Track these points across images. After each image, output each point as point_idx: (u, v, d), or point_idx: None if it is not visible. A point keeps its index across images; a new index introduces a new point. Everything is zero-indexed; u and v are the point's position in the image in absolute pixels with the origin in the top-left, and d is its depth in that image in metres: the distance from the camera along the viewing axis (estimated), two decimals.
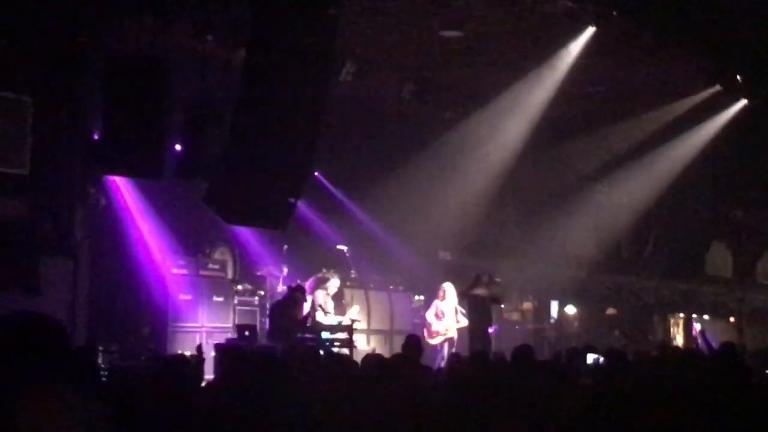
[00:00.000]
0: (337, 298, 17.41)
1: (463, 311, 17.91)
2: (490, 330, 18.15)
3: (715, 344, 14.03)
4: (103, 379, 9.77)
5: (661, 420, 6.18)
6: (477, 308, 17.87)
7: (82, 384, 3.56)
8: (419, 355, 10.81)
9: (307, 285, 16.79)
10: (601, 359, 8.66)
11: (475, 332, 17.52)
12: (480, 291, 17.95)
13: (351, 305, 17.23)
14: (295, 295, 15.59)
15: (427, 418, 6.94)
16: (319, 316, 16.30)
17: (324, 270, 17.68)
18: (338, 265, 18.33)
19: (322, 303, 16.58)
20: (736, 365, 8.52)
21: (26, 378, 3.32)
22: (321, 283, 17.04)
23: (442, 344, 17.66)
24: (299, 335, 15.11)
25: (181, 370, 7.77)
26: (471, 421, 6.77)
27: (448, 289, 17.95)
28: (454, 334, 17.68)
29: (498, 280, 18.95)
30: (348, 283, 17.97)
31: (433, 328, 17.71)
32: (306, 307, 15.98)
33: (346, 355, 14.10)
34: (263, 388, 6.82)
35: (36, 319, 3.50)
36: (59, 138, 15.16)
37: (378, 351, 15.95)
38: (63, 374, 3.43)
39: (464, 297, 17.94)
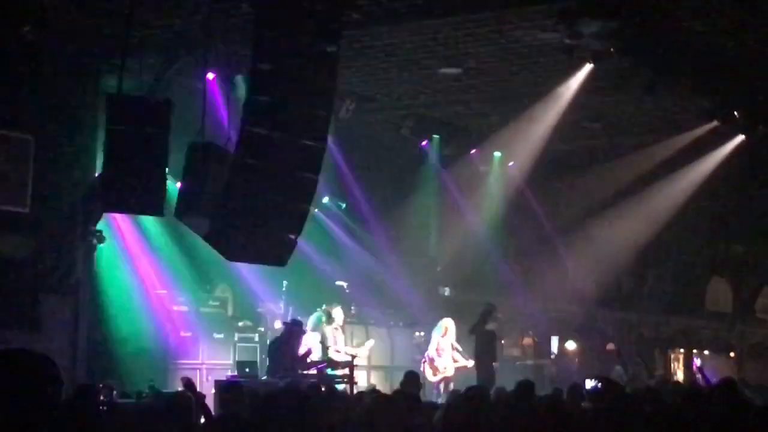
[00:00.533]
0: (344, 331, 17.49)
1: (460, 349, 17.90)
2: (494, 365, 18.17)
3: (714, 380, 14.02)
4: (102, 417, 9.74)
5: None
6: (487, 343, 17.86)
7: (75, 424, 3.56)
8: (418, 391, 10.83)
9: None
10: (599, 384, 8.69)
11: (485, 367, 17.49)
12: (491, 326, 17.97)
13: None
14: (293, 329, 15.59)
15: None
16: (332, 353, 16.34)
17: (324, 305, 17.74)
18: (339, 301, 18.35)
19: (331, 338, 16.63)
20: (735, 399, 8.53)
21: (12, 418, 3.30)
22: (327, 319, 17.07)
23: (440, 382, 17.64)
24: (300, 371, 15.10)
25: (182, 408, 7.78)
26: None
27: (450, 325, 17.95)
28: (451, 373, 17.66)
29: (499, 315, 18.96)
30: (348, 319, 17.97)
31: (435, 364, 17.71)
32: (306, 342, 15.97)
33: (347, 391, 14.10)
34: (264, 425, 6.82)
35: (27, 358, 3.48)
36: (60, 176, 15.22)
37: (378, 387, 15.97)
38: (50, 414, 3.42)
39: (474, 332, 17.93)
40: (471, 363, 17.83)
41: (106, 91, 14.05)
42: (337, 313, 17.07)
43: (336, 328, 16.94)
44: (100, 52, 15.15)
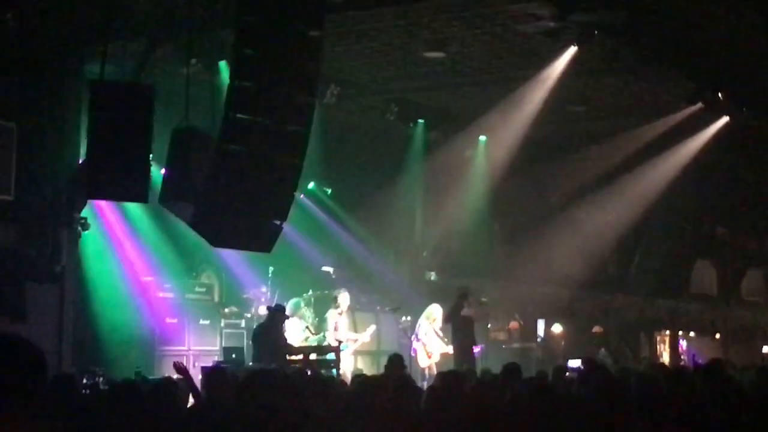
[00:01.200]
0: (351, 316, 17.59)
1: (441, 335, 17.91)
2: (476, 349, 18.17)
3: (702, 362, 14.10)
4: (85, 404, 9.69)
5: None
6: (463, 329, 17.87)
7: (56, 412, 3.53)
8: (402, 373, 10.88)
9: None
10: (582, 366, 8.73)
11: (463, 353, 17.51)
12: (467, 312, 17.96)
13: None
14: (276, 315, 15.58)
15: None
16: (329, 337, 16.38)
17: (311, 291, 17.77)
18: (325, 286, 18.38)
19: (332, 322, 16.69)
20: (722, 380, 8.57)
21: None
22: (332, 302, 17.12)
23: (429, 367, 17.66)
24: (286, 356, 15.09)
25: (168, 394, 7.76)
26: None
27: (437, 311, 17.95)
28: (438, 358, 17.69)
29: (484, 299, 18.98)
30: (334, 305, 17.97)
31: (428, 349, 17.72)
32: (290, 328, 15.97)
33: (334, 376, 14.11)
34: (250, 410, 6.82)
35: (12, 342, 3.46)
36: (44, 163, 15.15)
37: (365, 372, 15.98)
38: (36, 400, 3.40)
39: (450, 320, 17.91)
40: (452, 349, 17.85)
41: (89, 77, 13.97)
42: (343, 298, 17.09)
43: (340, 313, 16.99)
44: (82, 38, 15.07)
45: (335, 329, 16.82)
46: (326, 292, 18.16)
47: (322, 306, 17.85)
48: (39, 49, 14.82)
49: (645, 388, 8.21)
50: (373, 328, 17.67)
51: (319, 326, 17.23)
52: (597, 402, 7.49)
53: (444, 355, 17.81)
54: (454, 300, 18.17)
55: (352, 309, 18.00)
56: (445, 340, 17.88)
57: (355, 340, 17.37)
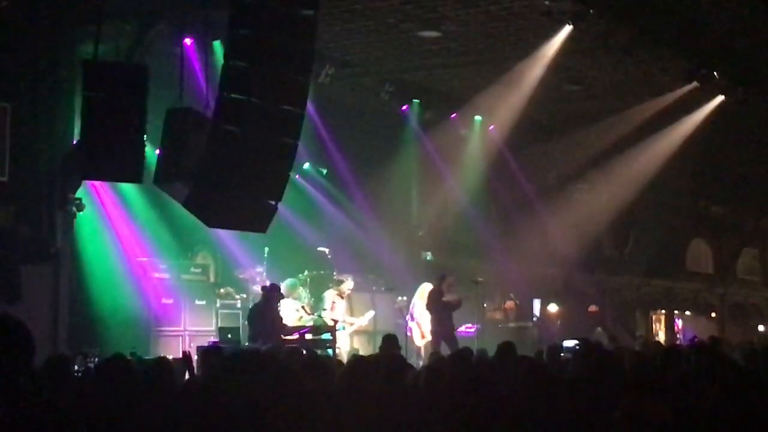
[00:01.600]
0: (350, 300, 17.63)
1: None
2: (469, 330, 18.25)
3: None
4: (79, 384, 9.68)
5: (643, 408, 6.23)
6: (447, 313, 17.66)
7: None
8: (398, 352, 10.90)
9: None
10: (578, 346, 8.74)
11: (449, 336, 17.34)
12: (449, 297, 17.75)
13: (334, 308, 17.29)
14: (270, 294, 15.58)
15: (414, 416, 6.97)
16: (325, 316, 16.42)
17: (306, 271, 17.80)
18: (321, 266, 18.39)
19: (329, 302, 16.74)
20: (718, 358, 8.59)
21: None
22: (335, 285, 17.22)
23: (424, 346, 17.67)
24: (282, 336, 15.11)
25: (163, 374, 7.76)
26: (455, 417, 6.80)
27: (429, 289, 17.89)
28: (429, 337, 17.66)
29: (480, 279, 18.96)
30: (330, 285, 17.98)
31: (423, 328, 17.72)
32: (285, 308, 15.99)
33: (330, 355, 14.13)
34: (247, 390, 6.81)
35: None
36: (38, 144, 15.11)
37: (361, 352, 16.00)
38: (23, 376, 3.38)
39: (430, 309, 17.62)
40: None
41: (83, 57, 13.92)
42: (348, 284, 17.28)
43: (340, 296, 17.04)
44: (76, 18, 14.99)
45: (332, 309, 16.83)
46: (322, 272, 18.19)
47: (317, 286, 17.88)
48: (33, 29, 14.76)
49: (639, 367, 8.25)
50: (371, 313, 17.73)
51: (315, 306, 17.27)
52: (592, 381, 7.51)
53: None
54: (433, 286, 17.97)
55: (352, 295, 18.04)
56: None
57: (352, 324, 17.44)
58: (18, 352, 3.39)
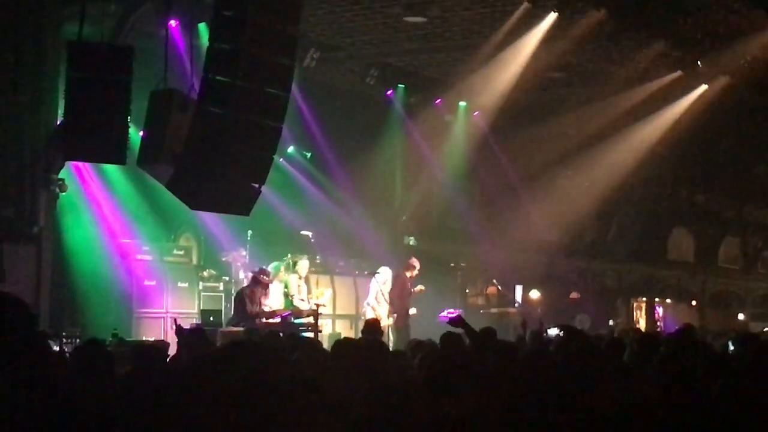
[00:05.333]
0: (308, 282, 17.43)
1: (387, 299, 17.74)
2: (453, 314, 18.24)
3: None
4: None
5: (618, 393, 6.29)
6: (406, 299, 17.72)
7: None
8: (380, 338, 10.93)
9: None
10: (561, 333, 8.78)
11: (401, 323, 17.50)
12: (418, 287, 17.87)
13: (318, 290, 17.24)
14: (258, 278, 15.62)
15: (398, 400, 7.00)
16: (297, 302, 16.34)
17: (289, 255, 17.68)
18: (304, 250, 18.37)
19: (295, 287, 16.62)
20: (694, 344, 8.66)
21: None
22: (289, 269, 17.05)
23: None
24: (264, 320, 15.15)
25: (150, 355, 7.80)
26: (440, 399, 6.83)
27: (386, 274, 17.76)
28: (387, 322, 17.46)
29: (462, 264, 19.02)
30: (313, 269, 17.98)
31: (377, 313, 17.43)
32: (272, 291, 16.01)
33: (313, 338, 14.16)
34: (228, 371, 6.84)
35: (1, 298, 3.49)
36: (21, 125, 15.07)
37: (344, 335, 16.02)
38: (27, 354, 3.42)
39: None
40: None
41: (68, 38, 13.88)
42: (302, 265, 16.97)
43: (300, 278, 16.92)
44: None
45: (299, 292, 16.72)
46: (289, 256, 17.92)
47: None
48: (17, 9, 14.71)
49: (616, 353, 8.32)
50: (329, 292, 17.38)
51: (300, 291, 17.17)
52: (573, 366, 7.56)
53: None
54: (401, 272, 17.98)
55: (330, 273, 17.97)
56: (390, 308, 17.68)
57: (319, 305, 17.09)
58: (21, 328, 3.44)
